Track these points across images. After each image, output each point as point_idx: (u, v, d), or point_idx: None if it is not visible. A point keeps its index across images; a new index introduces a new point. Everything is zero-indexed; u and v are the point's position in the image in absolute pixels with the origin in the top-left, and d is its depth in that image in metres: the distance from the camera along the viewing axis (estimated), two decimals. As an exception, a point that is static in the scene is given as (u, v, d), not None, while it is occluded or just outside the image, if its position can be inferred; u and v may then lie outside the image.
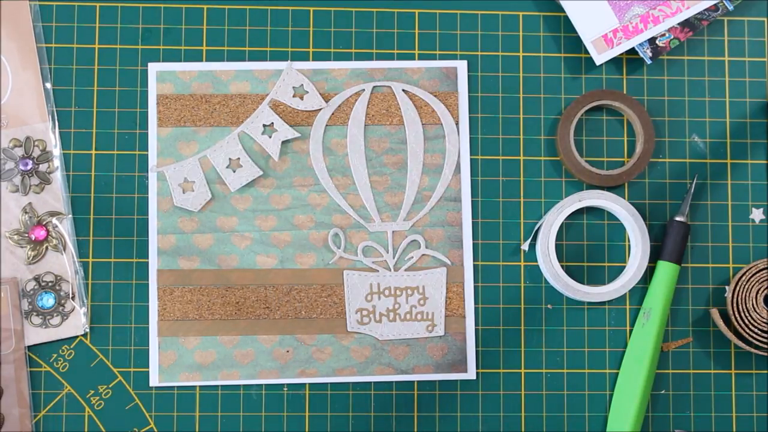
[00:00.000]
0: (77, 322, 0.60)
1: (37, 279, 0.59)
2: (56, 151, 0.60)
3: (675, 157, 0.65)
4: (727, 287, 0.64)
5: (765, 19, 0.66)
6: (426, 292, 0.62)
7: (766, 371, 0.63)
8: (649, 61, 0.64)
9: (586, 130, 0.64)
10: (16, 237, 0.59)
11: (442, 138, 0.63)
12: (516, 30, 0.65)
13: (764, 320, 0.61)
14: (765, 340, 0.61)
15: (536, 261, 0.63)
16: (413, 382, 0.62)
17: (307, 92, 0.63)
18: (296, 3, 0.64)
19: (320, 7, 0.64)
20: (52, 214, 0.60)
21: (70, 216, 0.60)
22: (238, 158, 0.62)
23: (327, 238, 0.62)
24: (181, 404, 0.61)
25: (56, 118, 0.61)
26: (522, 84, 0.64)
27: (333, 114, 0.63)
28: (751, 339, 0.61)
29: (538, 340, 0.63)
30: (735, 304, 0.62)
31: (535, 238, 0.63)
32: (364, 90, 0.63)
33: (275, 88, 0.63)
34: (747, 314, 0.62)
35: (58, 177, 0.60)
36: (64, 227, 0.59)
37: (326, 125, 0.63)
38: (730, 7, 0.64)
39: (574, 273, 0.63)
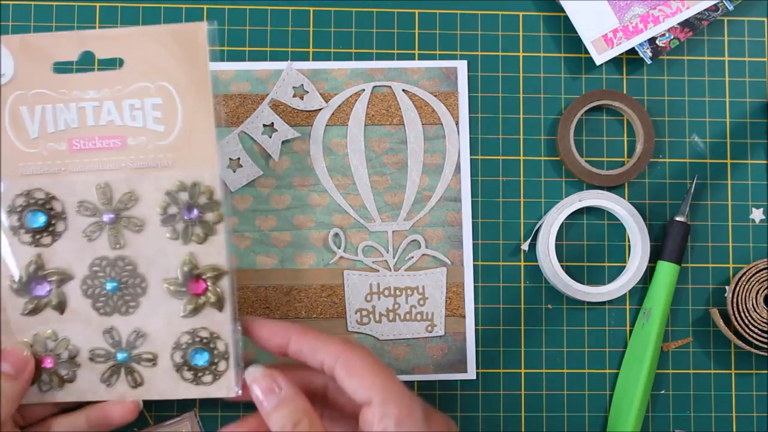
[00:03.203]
0: (229, 384, 0.55)
1: (191, 333, 0.55)
2: (222, 199, 0.55)
3: (675, 157, 0.65)
4: (727, 287, 0.64)
5: (765, 19, 0.66)
6: (426, 292, 0.62)
7: (766, 371, 0.63)
8: (649, 61, 0.64)
9: (586, 130, 0.64)
10: (173, 288, 0.54)
11: (442, 138, 0.63)
12: (516, 30, 0.65)
13: (764, 320, 0.61)
14: (765, 340, 0.61)
15: (536, 261, 0.63)
16: (413, 382, 0.62)
17: (307, 92, 0.63)
18: (296, 3, 0.64)
19: (320, 7, 0.64)
20: (214, 268, 0.54)
21: (230, 272, 0.55)
22: (238, 158, 0.62)
23: (327, 238, 0.62)
24: (181, 404, 0.61)
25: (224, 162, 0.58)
26: (522, 84, 0.64)
27: (333, 114, 0.63)
28: (751, 339, 0.61)
29: (538, 340, 0.63)
30: (735, 304, 0.62)
31: (535, 238, 0.63)
32: (364, 90, 0.63)
33: (275, 88, 0.63)
34: (747, 314, 0.62)
35: (222, 229, 0.54)
36: (224, 284, 0.54)
37: (326, 125, 0.63)
38: (730, 7, 0.64)
39: (574, 273, 0.63)
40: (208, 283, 0.54)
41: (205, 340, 0.54)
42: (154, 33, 0.54)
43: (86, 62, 0.57)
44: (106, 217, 0.54)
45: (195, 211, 0.54)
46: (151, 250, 0.54)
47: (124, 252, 0.54)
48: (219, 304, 0.54)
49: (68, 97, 0.54)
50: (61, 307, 0.55)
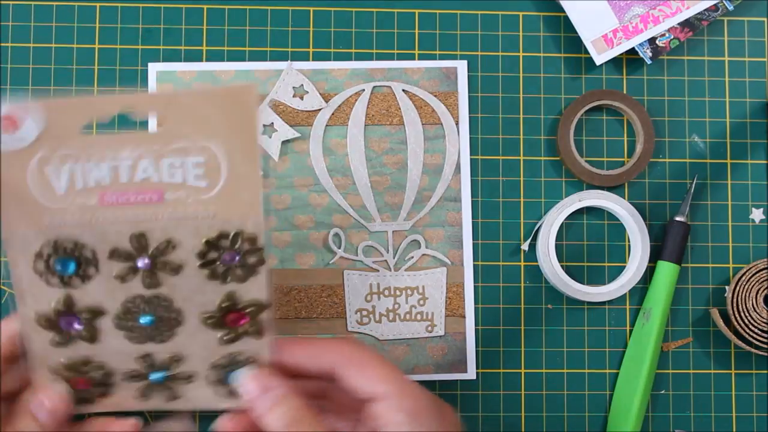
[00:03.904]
0: None
1: (228, 357, 0.53)
2: (266, 243, 0.52)
3: (675, 157, 0.65)
4: (727, 287, 0.64)
5: (765, 19, 0.66)
6: (426, 292, 0.62)
7: (766, 371, 0.63)
8: (649, 61, 0.64)
9: (586, 130, 0.64)
10: (209, 321, 0.52)
11: (442, 138, 0.63)
12: (516, 30, 0.65)
13: (764, 320, 0.61)
14: (765, 340, 0.61)
15: (536, 261, 0.63)
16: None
17: (307, 92, 0.63)
18: (296, 3, 0.64)
19: (320, 7, 0.64)
20: (254, 303, 0.52)
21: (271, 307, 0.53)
22: (238, 158, 0.62)
23: (327, 238, 0.62)
24: (181, 404, 0.61)
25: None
26: (522, 84, 0.64)
27: (333, 114, 0.63)
28: (751, 339, 0.61)
29: (538, 340, 0.63)
30: (735, 304, 0.62)
31: (535, 238, 0.63)
32: (364, 90, 0.63)
33: (275, 88, 0.63)
34: (747, 314, 0.62)
35: (264, 269, 0.51)
36: (264, 316, 0.52)
37: (326, 125, 0.63)
38: (730, 7, 0.64)
39: (574, 273, 0.63)
40: (248, 317, 0.51)
41: (241, 364, 0.52)
42: (198, 95, 0.49)
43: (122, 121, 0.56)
44: (140, 263, 0.50)
45: (236, 257, 0.51)
46: (187, 289, 0.51)
47: (159, 291, 0.51)
48: (258, 334, 0.52)
49: (98, 157, 0.50)
50: (92, 338, 0.52)
